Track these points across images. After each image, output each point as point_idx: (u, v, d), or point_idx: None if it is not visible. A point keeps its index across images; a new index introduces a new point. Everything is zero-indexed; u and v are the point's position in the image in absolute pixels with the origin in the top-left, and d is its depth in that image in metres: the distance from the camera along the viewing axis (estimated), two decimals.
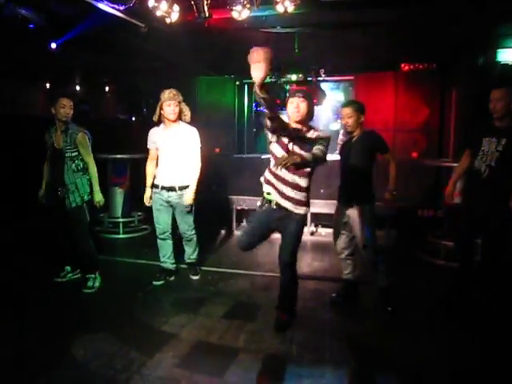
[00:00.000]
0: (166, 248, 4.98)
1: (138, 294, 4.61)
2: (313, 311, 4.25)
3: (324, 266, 5.66)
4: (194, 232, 4.98)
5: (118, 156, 7.10)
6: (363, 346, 3.57)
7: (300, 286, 4.01)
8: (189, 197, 4.69)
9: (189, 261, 5.15)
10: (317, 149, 3.41)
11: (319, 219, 7.25)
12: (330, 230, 7.25)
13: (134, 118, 10.27)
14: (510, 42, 7.14)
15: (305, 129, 3.58)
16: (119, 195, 7.25)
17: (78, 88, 9.60)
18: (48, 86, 8.94)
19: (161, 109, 4.59)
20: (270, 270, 5.21)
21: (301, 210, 3.60)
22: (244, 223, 7.50)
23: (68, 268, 4.97)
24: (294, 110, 3.53)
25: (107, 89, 10.23)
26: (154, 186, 4.80)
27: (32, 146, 5.33)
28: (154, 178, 4.82)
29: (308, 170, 3.55)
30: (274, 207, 3.61)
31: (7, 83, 7.80)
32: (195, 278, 5.07)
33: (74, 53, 7.22)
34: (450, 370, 3.26)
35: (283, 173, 3.52)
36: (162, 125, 4.74)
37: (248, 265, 5.61)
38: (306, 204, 3.63)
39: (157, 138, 4.74)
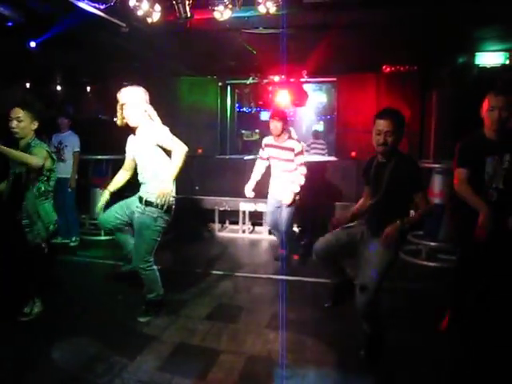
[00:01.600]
0: (118, 238, 4.21)
1: (119, 296, 4.57)
2: (296, 311, 4.25)
3: (305, 267, 5.67)
4: (145, 266, 3.88)
5: (99, 157, 7.03)
6: (346, 347, 3.57)
7: (283, 288, 4.01)
8: (164, 188, 3.66)
9: (146, 299, 4.07)
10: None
11: None
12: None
13: (115, 119, 10.17)
14: (487, 46, 7.27)
15: (283, 138, 5.35)
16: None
17: (58, 88, 9.48)
18: (28, 85, 8.82)
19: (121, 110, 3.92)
20: (252, 271, 5.21)
21: None
22: (227, 224, 7.51)
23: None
24: (274, 128, 5.29)
25: (88, 89, 10.12)
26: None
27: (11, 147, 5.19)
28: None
29: None
30: None
31: None
32: (141, 319, 3.98)
33: (54, 52, 7.14)
34: (432, 372, 3.29)
35: None
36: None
37: (230, 266, 5.60)
38: None
39: (129, 143, 4.10)
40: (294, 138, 5.55)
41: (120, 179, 4.21)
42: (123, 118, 3.87)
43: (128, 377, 3.10)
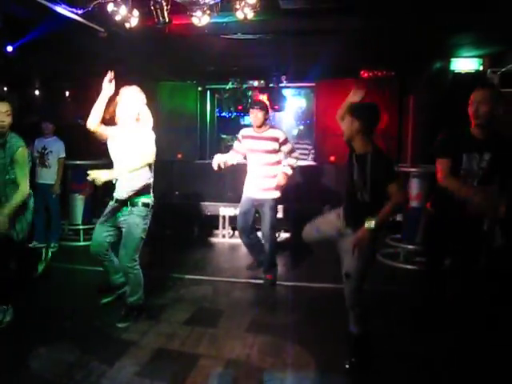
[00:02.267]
0: (106, 266, 4.24)
1: (98, 301, 4.52)
2: (274, 315, 4.28)
3: (285, 271, 5.71)
4: (132, 265, 3.93)
5: (78, 162, 6.97)
6: (325, 351, 3.60)
7: (262, 292, 4.03)
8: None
9: (127, 303, 4.09)
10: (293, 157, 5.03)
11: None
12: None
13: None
14: (461, 52, 7.43)
15: (264, 129, 4.97)
16: (79, 202, 7.12)
17: (36, 93, 9.38)
18: (5, 89, 8.70)
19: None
20: (231, 276, 5.22)
21: None
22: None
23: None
24: (254, 118, 4.93)
25: (67, 94, 10.03)
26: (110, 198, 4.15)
27: None
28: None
29: None
30: None
31: None
32: (120, 325, 3.96)
33: (32, 56, 7.08)
34: (412, 372, 3.34)
35: None
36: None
37: (210, 271, 5.61)
38: None
39: (111, 130, 4.06)
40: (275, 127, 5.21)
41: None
42: (113, 113, 3.95)
43: (107, 383, 3.08)
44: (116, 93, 3.94)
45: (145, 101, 4.02)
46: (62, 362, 3.37)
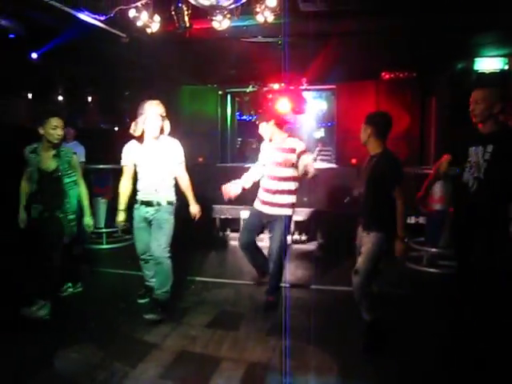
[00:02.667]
0: (148, 268, 4.57)
1: (121, 304, 4.58)
2: (295, 319, 4.25)
3: (307, 275, 5.68)
4: (164, 255, 4.21)
5: (101, 166, 7.06)
6: (347, 354, 3.58)
7: (283, 294, 4.03)
8: (195, 208, 4.41)
9: (154, 296, 4.32)
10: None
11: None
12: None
13: (116, 128, 10.23)
14: (485, 51, 7.30)
15: (281, 139, 4.57)
16: (102, 205, 7.21)
17: (60, 98, 9.54)
18: (30, 96, 8.88)
19: (143, 124, 4.19)
20: (253, 279, 5.21)
21: None
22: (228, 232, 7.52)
23: (69, 284, 4.88)
24: (266, 134, 4.62)
25: (89, 99, 10.18)
26: (134, 202, 4.42)
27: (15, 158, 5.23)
28: (131, 197, 4.48)
29: None
30: None
31: None
32: (149, 316, 4.15)
33: (56, 63, 7.21)
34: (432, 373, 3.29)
35: None
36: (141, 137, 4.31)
37: (232, 274, 5.61)
38: None
39: (135, 153, 4.33)
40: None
41: (128, 188, 4.47)
42: (139, 129, 4.21)
43: None
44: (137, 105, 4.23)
45: (165, 112, 4.28)
46: (86, 363, 3.41)
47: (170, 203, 4.33)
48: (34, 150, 4.28)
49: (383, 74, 8.41)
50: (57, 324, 4.09)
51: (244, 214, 7.19)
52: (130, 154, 4.37)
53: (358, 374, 3.32)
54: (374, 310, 3.67)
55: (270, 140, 4.64)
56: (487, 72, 7.44)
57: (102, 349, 3.61)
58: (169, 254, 4.24)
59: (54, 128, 4.18)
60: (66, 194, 4.35)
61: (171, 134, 4.66)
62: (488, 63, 7.53)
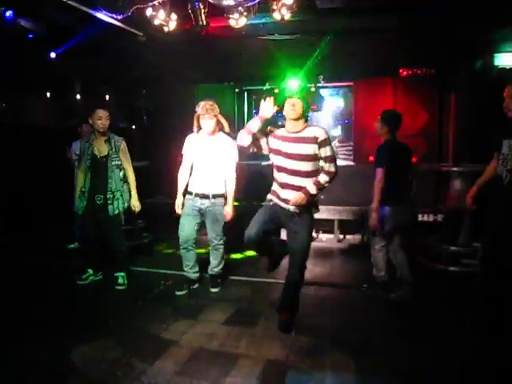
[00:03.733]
0: (188, 258, 4.88)
1: (138, 301, 4.62)
2: (313, 317, 4.24)
3: (325, 272, 5.66)
4: (221, 242, 4.90)
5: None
6: (363, 354, 3.55)
7: (302, 293, 4.01)
8: (230, 209, 4.73)
9: (211, 272, 5.04)
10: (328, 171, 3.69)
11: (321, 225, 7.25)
12: (331, 236, 7.36)
13: (134, 127, 10.28)
14: (506, 47, 7.18)
15: (300, 127, 3.77)
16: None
17: (77, 97, 9.62)
18: (48, 95, 8.97)
19: (198, 121, 4.64)
20: (270, 277, 5.20)
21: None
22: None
23: (90, 271, 5.15)
24: (290, 107, 3.74)
25: (107, 97, 10.24)
26: (187, 192, 4.77)
27: (34, 156, 5.33)
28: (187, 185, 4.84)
29: None
30: None
31: (8, 93, 7.83)
32: (214, 290, 4.95)
33: (74, 61, 7.27)
34: (451, 374, 3.26)
35: None
36: (199, 132, 4.73)
37: (249, 271, 5.62)
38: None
39: (194, 145, 4.74)
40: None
41: (186, 176, 4.83)
42: (199, 127, 4.66)
43: (147, 381, 3.13)
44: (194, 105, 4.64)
45: (218, 110, 4.66)
46: (104, 359, 3.44)
47: (223, 197, 4.76)
48: (88, 140, 4.98)
49: (401, 70, 8.32)
50: (75, 320, 4.14)
51: None
52: (188, 145, 4.77)
53: (377, 373, 3.29)
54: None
55: (296, 120, 3.76)
56: (508, 67, 7.31)
57: (120, 345, 3.65)
58: (223, 241, 4.92)
59: (99, 118, 4.81)
60: (110, 176, 4.90)
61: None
62: (510, 58, 7.40)
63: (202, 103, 4.54)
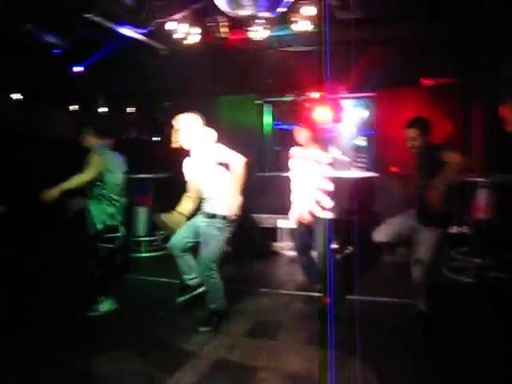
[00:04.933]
0: (181, 265, 4.41)
1: (159, 312, 4.62)
2: (336, 330, 4.17)
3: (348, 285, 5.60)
4: (210, 274, 4.12)
5: (142, 176, 7.17)
6: (387, 367, 3.48)
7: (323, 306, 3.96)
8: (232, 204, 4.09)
9: (208, 307, 4.29)
10: None
11: None
12: None
13: (155, 139, 10.39)
14: None
15: (311, 150, 4.64)
16: (142, 214, 7.31)
17: (101, 110, 9.78)
18: (72, 108, 9.15)
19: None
20: (291, 289, 5.17)
21: None
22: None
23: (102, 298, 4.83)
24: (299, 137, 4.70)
25: (129, 110, 10.38)
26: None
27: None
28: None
29: None
30: None
31: (33, 107, 8.01)
32: (202, 329, 4.15)
33: (97, 75, 7.39)
34: None
35: None
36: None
37: (270, 283, 5.58)
38: None
39: (188, 167, 4.39)
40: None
41: (188, 203, 4.42)
42: (177, 141, 4.23)
43: None
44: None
45: (202, 123, 4.27)
46: (125, 369, 3.45)
47: (222, 217, 4.13)
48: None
49: (424, 80, 8.25)
50: (94, 331, 4.16)
51: (281, 223, 7.17)
52: (185, 168, 4.41)
53: None
54: (430, 300, 3.96)
55: (301, 147, 4.75)
56: None
57: (141, 356, 3.65)
58: (213, 272, 4.13)
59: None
60: None
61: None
62: None
63: (177, 116, 4.24)
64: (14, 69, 6.58)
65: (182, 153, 4.32)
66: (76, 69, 6.76)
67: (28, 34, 5.57)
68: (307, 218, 4.64)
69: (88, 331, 4.16)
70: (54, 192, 4.32)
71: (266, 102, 9.84)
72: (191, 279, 4.47)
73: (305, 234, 4.75)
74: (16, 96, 8.44)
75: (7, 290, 5.14)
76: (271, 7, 4.63)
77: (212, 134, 4.31)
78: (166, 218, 4.36)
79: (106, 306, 4.62)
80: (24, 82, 7.41)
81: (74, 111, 9.07)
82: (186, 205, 4.42)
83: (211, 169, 4.18)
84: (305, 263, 4.90)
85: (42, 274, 5.85)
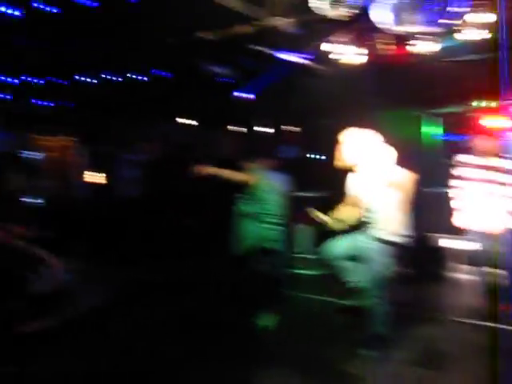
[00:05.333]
0: (339, 271, 4.29)
1: (324, 331, 4.56)
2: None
3: None
4: (374, 296, 3.96)
5: (303, 194, 7.28)
6: None
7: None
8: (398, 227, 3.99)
9: (370, 330, 4.06)
10: None
11: None
12: None
13: (320, 157, 10.50)
14: None
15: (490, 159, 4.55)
16: (304, 232, 7.42)
17: (267, 130, 10.20)
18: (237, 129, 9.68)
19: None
20: (464, 316, 4.76)
21: None
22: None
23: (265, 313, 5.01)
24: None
25: (295, 130, 10.67)
26: None
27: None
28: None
29: None
30: None
31: (200, 130, 8.65)
32: (364, 352, 3.95)
33: (260, 99, 7.75)
34: None
35: None
36: None
37: (440, 308, 5.22)
38: None
39: (351, 184, 4.28)
40: None
41: (344, 214, 4.28)
42: (341, 160, 4.08)
43: None
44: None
45: (378, 140, 4.07)
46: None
47: (383, 241, 3.95)
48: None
49: None
50: (260, 346, 4.29)
51: (442, 242, 6.72)
52: (351, 187, 4.27)
53: None
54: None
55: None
56: None
57: (302, 375, 3.66)
58: (377, 296, 3.98)
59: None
60: None
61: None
62: None
63: (343, 132, 4.12)
64: (187, 97, 7.20)
65: (345, 171, 4.22)
66: (242, 95, 7.16)
67: (200, 68, 6.07)
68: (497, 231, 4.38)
69: (247, 345, 4.25)
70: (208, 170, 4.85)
71: (431, 114, 9.44)
72: (355, 282, 4.27)
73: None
74: (188, 121, 9.21)
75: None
76: (435, 21, 4.42)
77: (391, 152, 4.05)
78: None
79: (266, 321, 4.70)
80: (196, 109, 8.03)
81: (239, 133, 9.58)
82: (344, 213, 4.28)
83: (380, 190, 3.92)
84: None
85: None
